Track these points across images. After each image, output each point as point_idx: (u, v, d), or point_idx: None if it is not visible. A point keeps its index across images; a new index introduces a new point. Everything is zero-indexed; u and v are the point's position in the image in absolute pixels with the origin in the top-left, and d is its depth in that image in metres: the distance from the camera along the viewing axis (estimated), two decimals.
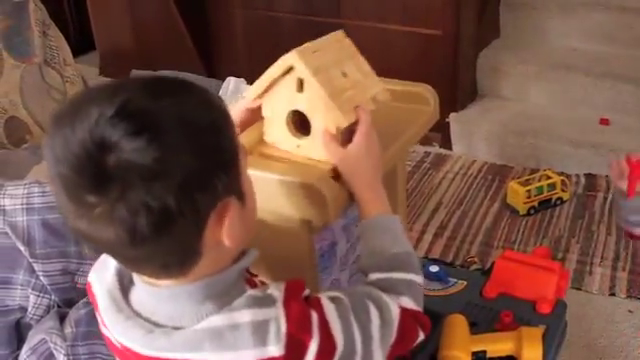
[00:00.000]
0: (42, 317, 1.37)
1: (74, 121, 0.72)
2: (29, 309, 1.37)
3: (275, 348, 0.78)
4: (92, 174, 0.71)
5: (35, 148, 1.76)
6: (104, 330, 0.91)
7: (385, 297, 0.93)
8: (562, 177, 2.77)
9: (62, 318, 1.35)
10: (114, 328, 0.86)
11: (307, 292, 0.85)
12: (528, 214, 2.69)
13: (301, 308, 0.81)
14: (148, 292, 0.84)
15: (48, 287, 1.37)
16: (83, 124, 0.71)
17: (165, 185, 0.72)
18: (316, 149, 1.08)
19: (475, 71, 3.35)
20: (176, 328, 0.81)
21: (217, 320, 0.80)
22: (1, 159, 1.70)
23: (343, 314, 0.85)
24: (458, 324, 1.33)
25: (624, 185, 1.32)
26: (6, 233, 1.38)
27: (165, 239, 0.75)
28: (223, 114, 0.81)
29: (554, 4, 3.34)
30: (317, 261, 1.23)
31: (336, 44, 1.13)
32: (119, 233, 0.73)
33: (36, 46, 1.95)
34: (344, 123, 1.04)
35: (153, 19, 3.89)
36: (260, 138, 1.14)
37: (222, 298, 0.81)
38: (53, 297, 1.38)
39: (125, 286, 0.88)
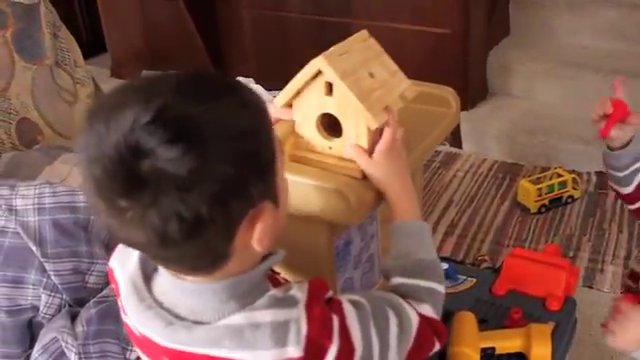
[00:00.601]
0: (54, 316, 1.38)
1: (109, 121, 0.71)
2: (41, 308, 1.38)
3: (294, 349, 0.78)
4: (125, 179, 0.70)
5: (47, 149, 1.77)
6: (124, 317, 0.91)
7: (405, 305, 0.92)
8: (573, 175, 2.76)
9: (73, 317, 1.36)
10: (134, 316, 0.86)
11: (330, 294, 0.85)
12: (539, 212, 2.68)
13: (323, 311, 0.80)
14: (173, 283, 0.83)
15: (59, 286, 1.38)
16: (118, 126, 0.70)
17: (199, 195, 0.71)
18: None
19: (485, 70, 3.35)
20: (197, 322, 0.81)
21: (238, 318, 0.79)
22: (13, 160, 1.71)
23: (363, 320, 0.84)
24: (467, 321, 1.32)
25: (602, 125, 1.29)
26: (18, 233, 1.40)
27: (195, 243, 0.74)
28: (262, 116, 0.80)
29: (563, 2, 3.33)
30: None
31: (361, 44, 1.14)
32: (150, 236, 0.73)
33: (47, 48, 1.96)
34: (374, 124, 1.04)
35: (163, 20, 3.91)
36: (292, 141, 1.15)
37: (246, 298, 0.81)
38: (64, 296, 1.39)
39: (148, 274, 0.87)
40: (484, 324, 1.33)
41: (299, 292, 0.81)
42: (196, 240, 0.74)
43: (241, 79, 2.09)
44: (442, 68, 3.12)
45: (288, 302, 0.80)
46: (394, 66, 1.16)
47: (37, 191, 1.45)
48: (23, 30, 1.92)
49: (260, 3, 3.60)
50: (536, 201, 2.67)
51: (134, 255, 0.88)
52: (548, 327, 1.29)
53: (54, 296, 1.38)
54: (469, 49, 3.18)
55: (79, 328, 1.33)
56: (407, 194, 1.05)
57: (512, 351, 1.29)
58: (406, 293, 0.96)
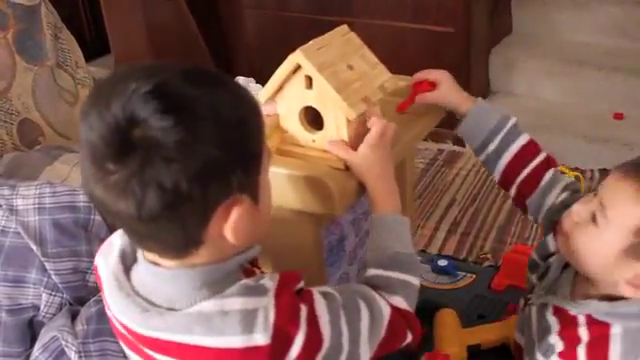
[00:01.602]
0: (54, 315, 1.39)
1: (110, 94, 0.75)
2: (41, 307, 1.39)
3: (261, 336, 0.80)
4: (117, 144, 0.74)
5: (47, 149, 1.78)
6: (107, 311, 0.93)
7: (377, 297, 0.94)
8: (576, 172, 2.74)
9: (74, 316, 1.37)
10: (115, 306, 0.89)
11: (301, 285, 0.87)
12: None
13: (291, 300, 0.82)
14: (150, 271, 0.86)
15: (60, 286, 1.38)
16: (118, 98, 0.75)
17: (181, 169, 0.74)
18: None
19: (487, 68, 3.34)
20: (170, 309, 0.83)
21: (208, 305, 0.81)
22: (14, 160, 1.72)
23: (333, 310, 0.86)
24: (449, 319, 1.33)
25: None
26: (18, 233, 1.40)
27: (170, 220, 0.77)
28: (254, 112, 0.83)
29: None
30: (326, 255, 1.25)
31: (341, 38, 1.16)
32: (129, 205, 0.76)
33: (48, 49, 1.97)
34: (352, 114, 1.07)
35: (166, 21, 3.91)
36: (277, 135, 1.17)
37: (217, 285, 0.83)
38: (65, 295, 1.39)
39: (128, 266, 0.90)
40: (483, 319, 1.34)
41: (270, 281, 0.83)
42: (171, 216, 0.76)
43: (241, 79, 2.10)
44: (444, 66, 3.07)
45: (258, 291, 0.82)
46: (374, 59, 1.19)
47: (38, 191, 1.45)
48: (24, 31, 1.93)
49: (263, 3, 3.60)
50: None
51: (115, 249, 0.92)
52: None
53: (54, 295, 1.39)
54: (471, 47, 3.17)
55: (79, 327, 1.33)
56: (388, 187, 1.06)
57: (497, 344, 1.30)
58: (380, 284, 0.98)
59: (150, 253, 0.86)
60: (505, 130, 1.25)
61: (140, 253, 0.89)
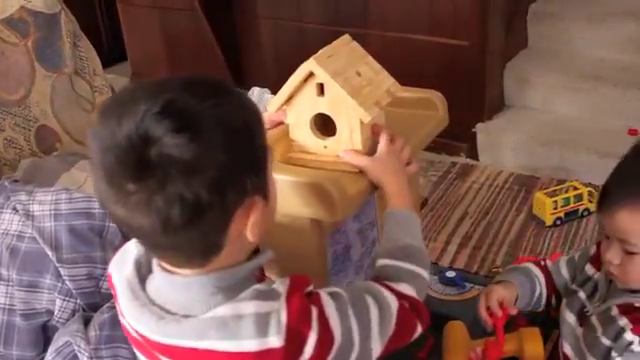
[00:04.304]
0: (68, 320, 1.40)
1: (121, 115, 0.77)
2: (55, 312, 1.40)
3: (275, 339, 0.82)
4: (134, 164, 0.76)
5: (64, 156, 1.80)
6: (122, 319, 0.95)
7: (384, 290, 0.96)
8: (589, 188, 2.74)
9: (87, 321, 1.38)
10: (130, 315, 0.91)
11: (311, 287, 0.88)
12: (554, 225, 2.67)
13: (301, 302, 0.84)
14: (165, 280, 0.88)
15: (74, 291, 1.40)
16: (130, 118, 0.77)
17: (201, 180, 0.77)
18: (343, 147, 1.15)
19: (502, 81, 3.34)
20: (186, 316, 0.85)
21: (223, 310, 0.83)
22: (32, 166, 1.73)
23: (341, 309, 0.88)
24: (458, 331, 1.33)
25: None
26: (34, 238, 1.42)
27: (194, 230, 0.80)
28: (257, 117, 0.87)
29: (582, 14, 3.32)
30: (332, 264, 1.27)
31: (346, 47, 1.20)
32: (154, 221, 0.78)
33: (67, 57, 1.99)
34: (367, 118, 1.10)
35: (182, 30, 3.95)
36: (284, 145, 1.20)
37: (231, 291, 0.85)
38: (78, 301, 1.41)
39: (143, 276, 0.92)
40: (489, 331, 1.34)
41: (281, 286, 0.85)
42: (195, 226, 0.79)
43: (257, 89, 2.11)
44: (459, 80, 3.12)
45: (271, 295, 0.84)
46: (377, 65, 1.22)
47: (54, 197, 1.47)
48: (44, 39, 1.95)
49: (278, 13, 3.62)
50: (552, 214, 2.66)
51: (130, 259, 0.94)
52: (536, 329, 1.30)
53: (68, 301, 1.40)
54: (486, 61, 3.17)
55: (92, 332, 1.34)
56: (402, 187, 1.11)
57: (506, 356, 1.30)
58: (388, 274, 1.00)
59: (169, 264, 0.88)
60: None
61: (155, 263, 0.91)
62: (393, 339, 0.94)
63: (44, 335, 1.42)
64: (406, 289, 0.98)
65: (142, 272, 0.92)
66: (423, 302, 1.01)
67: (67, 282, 1.39)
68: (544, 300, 1.38)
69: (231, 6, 3.77)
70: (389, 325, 0.93)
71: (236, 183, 0.81)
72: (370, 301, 0.92)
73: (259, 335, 0.82)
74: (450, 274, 1.59)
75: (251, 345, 0.82)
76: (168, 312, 0.87)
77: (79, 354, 1.32)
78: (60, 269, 1.39)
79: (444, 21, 3.16)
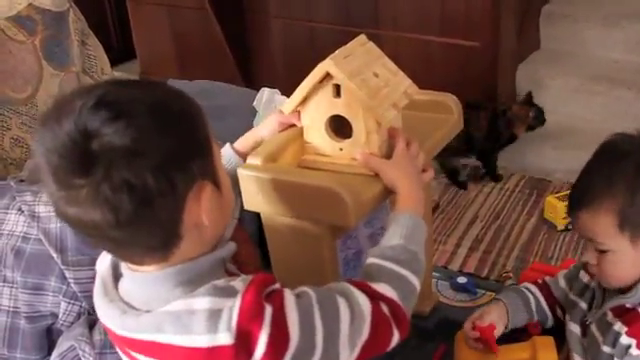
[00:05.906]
0: (72, 323, 1.38)
1: (60, 115, 0.80)
2: (60, 315, 1.38)
3: (225, 336, 0.82)
4: (79, 158, 0.79)
5: None
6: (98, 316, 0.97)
7: (356, 291, 0.92)
8: None
9: (92, 325, 1.36)
10: (100, 310, 0.94)
11: (275, 286, 0.87)
12: (566, 229, 2.65)
13: (255, 300, 0.83)
14: (130, 278, 0.91)
15: (79, 294, 1.38)
16: (68, 117, 0.79)
17: (144, 163, 0.79)
18: (359, 150, 1.13)
19: (514, 83, 3.32)
20: (148, 312, 0.87)
21: (178, 304, 0.84)
22: (38, 166, 1.72)
23: (304, 307, 0.86)
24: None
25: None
26: (40, 240, 1.40)
27: (147, 219, 0.81)
28: (195, 106, 0.89)
29: (596, 16, 3.29)
30: (343, 269, 1.25)
31: (361, 48, 1.17)
32: (105, 213, 0.80)
33: (75, 55, 1.98)
34: (385, 119, 1.09)
35: (192, 28, 3.94)
36: (295, 147, 1.17)
37: (191, 285, 0.86)
38: (83, 304, 1.39)
39: (117, 275, 0.94)
40: (502, 338, 1.32)
41: (240, 283, 0.85)
42: (147, 215, 0.81)
43: (267, 90, 2.09)
44: (471, 81, 3.09)
45: (227, 291, 0.84)
46: (394, 66, 1.20)
47: None
48: (52, 37, 1.94)
49: (289, 13, 3.61)
50: (564, 218, 2.63)
51: (108, 258, 0.96)
52: (551, 338, 1.28)
53: (73, 304, 1.39)
54: (499, 63, 3.15)
55: (97, 337, 1.33)
56: (416, 195, 1.09)
57: None
58: (369, 272, 0.97)
59: (132, 263, 0.90)
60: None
61: (123, 265, 0.92)
62: (367, 346, 0.90)
63: (48, 338, 1.41)
64: (385, 289, 0.94)
65: (118, 271, 0.94)
66: (405, 309, 0.96)
67: (72, 285, 1.38)
68: (548, 311, 1.37)
69: (241, 5, 3.76)
70: (361, 329, 0.90)
71: (182, 167, 0.83)
72: (341, 302, 0.89)
73: (210, 331, 0.82)
74: (462, 280, 1.57)
75: (202, 341, 0.83)
76: (132, 308, 0.89)
77: (83, 359, 1.30)
78: (65, 271, 1.38)
79: (456, 22, 3.14)
